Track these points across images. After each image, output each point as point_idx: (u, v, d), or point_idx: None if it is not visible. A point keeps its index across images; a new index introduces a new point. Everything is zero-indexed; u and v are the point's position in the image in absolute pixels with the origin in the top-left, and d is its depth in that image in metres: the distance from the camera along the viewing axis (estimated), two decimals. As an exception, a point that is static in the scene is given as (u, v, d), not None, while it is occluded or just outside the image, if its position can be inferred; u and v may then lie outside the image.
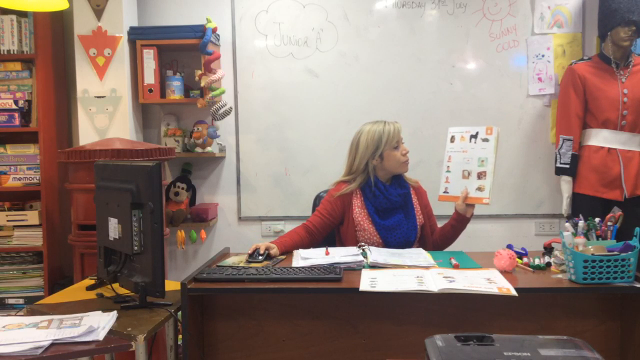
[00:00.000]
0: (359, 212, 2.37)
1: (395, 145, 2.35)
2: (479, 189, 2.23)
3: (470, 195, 2.26)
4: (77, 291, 2.01)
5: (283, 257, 2.18)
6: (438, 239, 2.44)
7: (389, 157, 2.36)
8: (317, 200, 2.65)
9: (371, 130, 2.37)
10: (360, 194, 2.40)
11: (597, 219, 1.87)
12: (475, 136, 2.27)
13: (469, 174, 2.27)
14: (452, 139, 2.34)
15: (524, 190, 3.38)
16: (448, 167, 2.33)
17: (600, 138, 2.96)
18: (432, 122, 3.35)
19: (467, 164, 2.28)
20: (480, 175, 2.23)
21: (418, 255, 2.13)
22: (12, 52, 3.10)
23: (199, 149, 3.24)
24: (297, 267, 1.93)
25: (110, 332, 1.56)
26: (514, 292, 1.67)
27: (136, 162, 1.90)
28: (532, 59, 3.32)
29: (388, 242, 2.33)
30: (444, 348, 1.12)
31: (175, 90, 3.23)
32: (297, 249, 2.28)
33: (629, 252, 1.73)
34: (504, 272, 1.89)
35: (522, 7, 3.32)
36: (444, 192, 2.34)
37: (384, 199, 2.34)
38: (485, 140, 2.24)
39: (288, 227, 3.34)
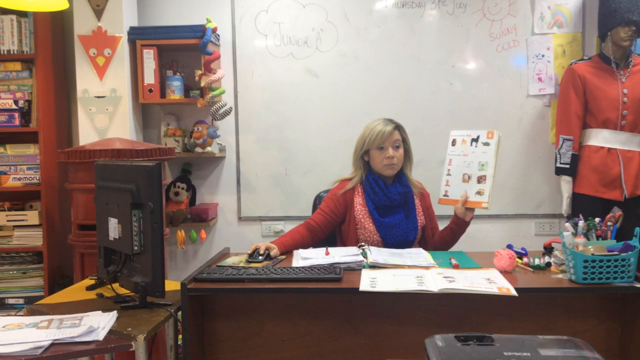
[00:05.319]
0: (360, 209, 2.37)
1: (380, 146, 2.35)
2: (479, 192, 2.22)
3: (469, 199, 2.25)
4: (77, 291, 2.01)
5: (283, 257, 2.18)
6: (437, 242, 2.44)
7: (373, 156, 2.38)
8: (317, 200, 2.65)
9: (367, 127, 2.41)
10: (362, 191, 2.41)
11: (597, 219, 1.87)
12: (476, 140, 2.26)
13: (469, 177, 2.26)
14: (454, 142, 2.33)
15: (524, 190, 3.38)
16: (449, 170, 2.33)
17: (600, 138, 2.96)
18: (432, 122, 3.35)
19: (467, 167, 2.27)
20: (481, 179, 2.22)
21: (418, 255, 2.13)
22: (12, 52, 3.10)
23: (199, 149, 3.24)
24: (297, 267, 1.93)
25: (110, 332, 1.56)
26: (514, 292, 1.67)
27: (136, 162, 1.90)
28: (532, 59, 3.32)
29: (386, 240, 2.33)
30: (444, 348, 1.12)
31: (175, 90, 3.23)
32: (298, 248, 2.27)
33: (629, 252, 1.73)
34: (504, 272, 1.89)
35: (522, 7, 3.32)
36: (444, 196, 2.34)
37: (383, 195, 2.34)
38: (486, 144, 2.23)
39: (288, 227, 3.33)
